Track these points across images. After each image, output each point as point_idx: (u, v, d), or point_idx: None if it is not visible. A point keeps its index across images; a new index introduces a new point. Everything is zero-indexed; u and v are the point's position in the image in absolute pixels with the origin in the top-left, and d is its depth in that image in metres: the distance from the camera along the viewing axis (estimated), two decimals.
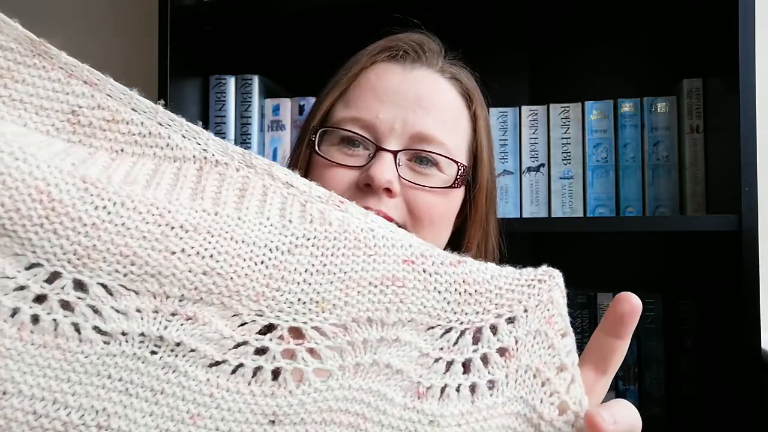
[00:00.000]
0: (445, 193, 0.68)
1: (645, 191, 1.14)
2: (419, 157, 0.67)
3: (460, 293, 0.41)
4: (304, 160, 0.71)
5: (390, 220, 0.64)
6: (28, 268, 0.35)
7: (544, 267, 0.44)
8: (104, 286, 0.36)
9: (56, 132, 0.40)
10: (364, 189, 0.65)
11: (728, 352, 1.03)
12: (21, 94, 0.39)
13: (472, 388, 0.41)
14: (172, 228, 0.37)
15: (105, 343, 0.36)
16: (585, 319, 1.17)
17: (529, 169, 1.18)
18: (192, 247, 0.37)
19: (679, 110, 1.13)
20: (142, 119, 0.41)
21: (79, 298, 0.36)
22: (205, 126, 1.26)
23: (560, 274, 0.43)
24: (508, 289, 0.42)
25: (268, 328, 0.39)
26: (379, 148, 0.66)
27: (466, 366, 0.42)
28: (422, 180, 0.67)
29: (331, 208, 0.41)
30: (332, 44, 1.01)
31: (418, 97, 0.67)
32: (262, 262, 0.38)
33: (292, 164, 0.73)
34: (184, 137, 0.41)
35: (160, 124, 0.41)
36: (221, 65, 1.29)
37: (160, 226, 0.37)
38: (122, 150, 0.40)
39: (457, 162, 0.68)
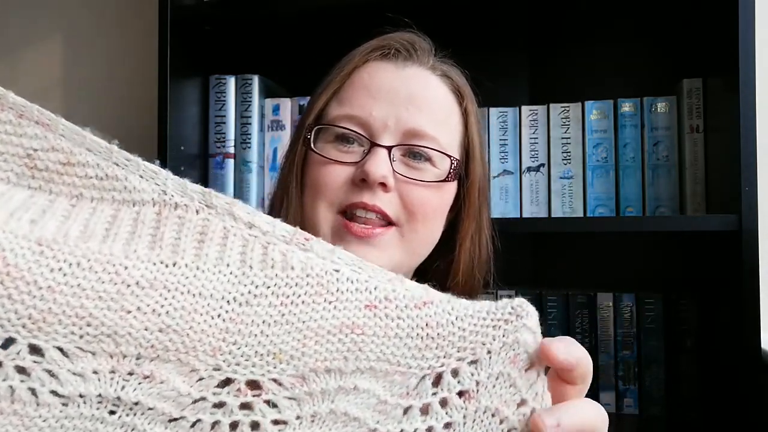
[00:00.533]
0: (439, 187, 0.70)
1: (645, 191, 1.14)
2: (413, 152, 0.69)
3: (422, 338, 0.41)
4: (300, 158, 0.72)
5: (385, 214, 0.66)
6: None
7: (518, 301, 0.42)
8: (60, 350, 0.36)
9: (17, 178, 0.39)
10: (360, 184, 0.66)
11: (728, 352, 1.04)
12: None
13: (429, 431, 0.41)
14: (128, 285, 0.37)
15: (63, 405, 0.36)
16: (585, 319, 1.17)
17: (529, 169, 1.18)
18: (148, 305, 0.37)
19: (679, 110, 1.13)
20: (97, 160, 0.40)
21: (35, 362, 0.35)
22: (206, 126, 1.27)
23: (533, 314, 0.41)
24: (472, 331, 0.41)
25: (226, 382, 0.39)
26: (373, 144, 0.67)
27: (425, 410, 0.41)
28: (416, 174, 0.68)
29: (294, 248, 0.40)
30: (332, 44, 1.01)
31: (411, 95, 0.69)
32: (219, 316, 0.38)
33: (288, 162, 0.74)
34: (141, 177, 0.40)
35: (117, 165, 0.40)
36: (221, 65, 1.29)
37: (116, 284, 0.36)
38: (81, 195, 0.39)
39: (449, 156, 0.70)
